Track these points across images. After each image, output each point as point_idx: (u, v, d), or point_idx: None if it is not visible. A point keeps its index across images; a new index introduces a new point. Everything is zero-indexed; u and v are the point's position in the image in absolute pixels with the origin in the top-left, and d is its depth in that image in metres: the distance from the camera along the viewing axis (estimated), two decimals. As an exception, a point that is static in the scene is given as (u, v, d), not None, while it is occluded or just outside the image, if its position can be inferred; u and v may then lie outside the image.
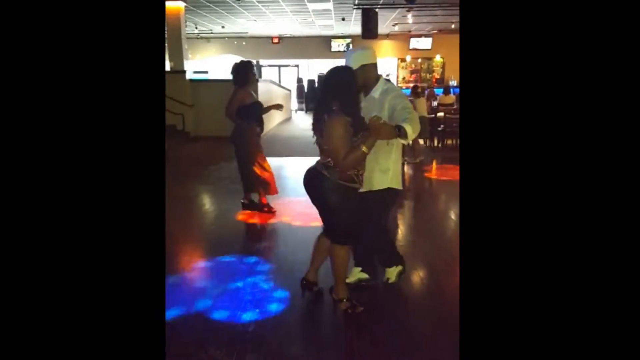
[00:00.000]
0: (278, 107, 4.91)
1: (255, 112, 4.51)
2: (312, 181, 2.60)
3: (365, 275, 3.08)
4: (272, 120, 12.80)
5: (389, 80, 2.86)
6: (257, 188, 4.69)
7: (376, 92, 2.70)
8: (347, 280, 2.95)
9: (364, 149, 2.37)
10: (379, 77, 2.77)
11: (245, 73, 4.49)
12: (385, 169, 2.75)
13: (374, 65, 2.75)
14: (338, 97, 2.44)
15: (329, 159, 2.50)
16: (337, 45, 17.67)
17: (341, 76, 2.49)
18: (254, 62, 18.11)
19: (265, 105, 4.73)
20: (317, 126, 2.54)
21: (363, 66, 2.65)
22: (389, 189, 2.79)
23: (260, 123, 4.59)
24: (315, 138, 2.57)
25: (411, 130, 2.40)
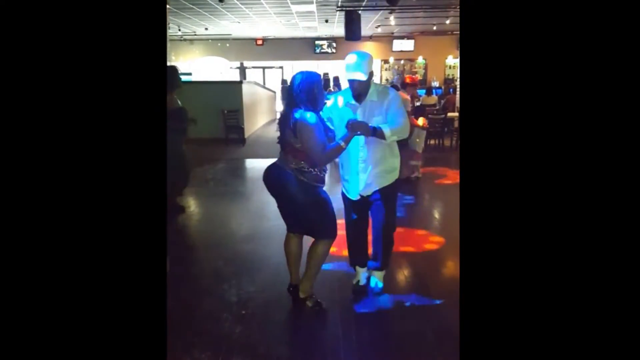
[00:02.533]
0: (193, 121, 4.88)
1: (179, 118, 4.48)
2: (284, 185, 2.65)
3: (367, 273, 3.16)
4: (257, 122, 12.79)
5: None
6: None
7: (373, 95, 2.75)
8: (362, 284, 3.10)
9: (342, 144, 2.56)
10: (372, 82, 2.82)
11: (168, 79, 4.47)
12: (392, 169, 2.89)
13: (373, 73, 2.77)
14: (309, 99, 2.57)
15: (302, 162, 2.58)
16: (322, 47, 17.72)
17: (313, 80, 2.60)
18: (238, 64, 18.08)
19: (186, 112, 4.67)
20: (283, 124, 2.64)
21: (371, 73, 2.68)
22: (395, 181, 2.93)
23: (184, 129, 4.59)
24: (279, 135, 2.68)
25: (389, 133, 2.60)
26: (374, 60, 2.74)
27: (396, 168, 2.91)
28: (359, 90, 2.69)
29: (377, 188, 2.85)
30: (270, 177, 2.71)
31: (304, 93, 2.57)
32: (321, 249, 2.77)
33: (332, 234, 2.76)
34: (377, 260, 3.07)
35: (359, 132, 2.56)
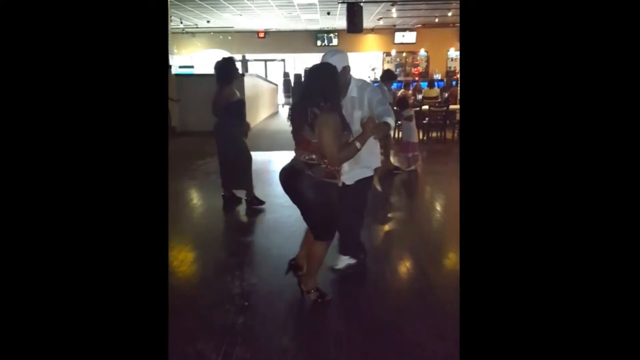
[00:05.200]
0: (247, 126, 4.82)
1: (239, 109, 4.49)
2: (293, 181, 2.62)
3: (353, 261, 3.26)
4: (259, 115, 12.79)
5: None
6: (242, 184, 4.72)
7: (353, 91, 2.89)
8: (337, 267, 3.21)
9: (357, 145, 2.51)
10: (351, 77, 2.94)
11: (228, 70, 4.48)
12: (368, 165, 3.03)
13: (350, 67, 2.89)
14: (326, 93, 2.50)
15: (313, 156, 2.53)
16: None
17: (329, 73, 2.55)
18: (240, 57, 18.06)
19: (245, 101, 4.72)
20: (299, 118, 2.57)
21: (344, 67, 2.79)
22: (368, 178, 3.08)
23: (244, 120, 4.59)
24: (292, 129, 2.64)
25: (393, 123, 2.68)
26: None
27: (371, 166, 3.04)
28: None
29: (357, 179, 2.98)
30: (282, 175, 2.69)
31: (321, 86, 2.50)
32: (318, 249, 2.74)
33: (329, 237, 2.73)
34: (347, 246, 3.22)
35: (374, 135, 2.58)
